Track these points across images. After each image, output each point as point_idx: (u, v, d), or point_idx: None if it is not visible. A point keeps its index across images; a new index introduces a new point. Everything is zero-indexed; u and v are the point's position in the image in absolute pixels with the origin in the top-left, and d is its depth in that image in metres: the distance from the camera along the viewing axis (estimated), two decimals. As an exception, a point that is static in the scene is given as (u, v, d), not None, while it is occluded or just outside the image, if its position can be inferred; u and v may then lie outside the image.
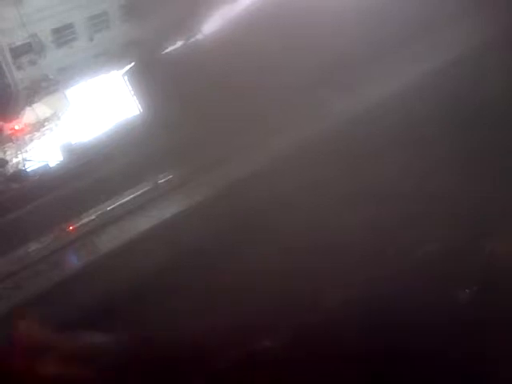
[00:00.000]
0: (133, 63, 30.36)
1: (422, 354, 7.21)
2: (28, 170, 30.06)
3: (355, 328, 7.67)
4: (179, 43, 28.99)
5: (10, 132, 36.26)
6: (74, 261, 12.63)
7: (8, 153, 36.61)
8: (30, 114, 36.96)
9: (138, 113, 28.98)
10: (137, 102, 28.40)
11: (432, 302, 7.72)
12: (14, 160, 36.38)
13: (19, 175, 27.80)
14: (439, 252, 8.68)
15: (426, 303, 7.69)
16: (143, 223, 12.24)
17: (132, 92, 29.16)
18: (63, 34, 31.40)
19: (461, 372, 6.93)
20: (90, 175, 19.51)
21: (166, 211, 12.41)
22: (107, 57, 33.31)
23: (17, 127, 36.39)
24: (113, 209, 15.04)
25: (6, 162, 32.28)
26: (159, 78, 23.61)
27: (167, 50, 29.27)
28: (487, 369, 6.84)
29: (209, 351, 8.14)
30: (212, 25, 25.09)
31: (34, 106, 35.68)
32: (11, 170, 32.24)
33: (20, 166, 34.07)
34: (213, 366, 8.02)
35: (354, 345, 7.53)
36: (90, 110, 39.78)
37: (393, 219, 9.53)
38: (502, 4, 12.16)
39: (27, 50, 30.53)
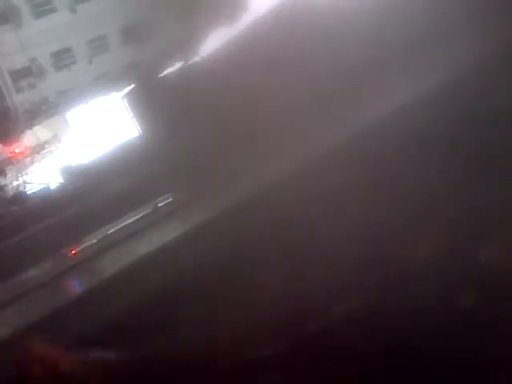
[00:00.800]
0: (132, 86, 30.59)
1: (421, 358, 7.22)
2: (28, 192, 30.14)
3: (356, 333, 7.70)
4: (178, 65, 29.25)
5: (10, 155, 36.42)
6: (75, 286, 12.61)
7: (8, 175, 36.71)
8: (31, 137, 37.20)
9: (137, 135, 29.13)
10: (136, 124, 28.56)
11: (431, 306, 7.74)
12: (15, 183, 36.49)
13: (19, 198, 27.86)
14: (436, 255, 8.68)
15: (425, 307, 7.72)
16: (143, 247, 12.24)
17: (131, 114, 29.34)
18: (62, 58, 31.75)
19: (461, 375, 6.94)
20: (91, 198, 19.55)
21: (166, 235, 12.41)
22: (106, 79, 33.59)
23: (17, 150, 36.60)
24: (113, 232, 15.03)
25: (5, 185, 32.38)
26: (158, 100, 23.75)
27: (166, 73, 29.51)
28: (487, 372, 6.85)
29: (210, 358, 8.12)
30: (210, 47, 25.32)
31: (34, 128, 35.97)
32: (11, 193, 32.32)
33: (20, 189, 34.18)
34: (215, 373, 8.02)
35: (354, 349, 7.54)
36: (90, 133, 40.04)
37: (392, 223, 9.57)
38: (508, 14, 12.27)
39: (27, 74, 30.84)
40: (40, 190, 28.80)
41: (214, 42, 25.09)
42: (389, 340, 7.47)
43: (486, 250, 8.26)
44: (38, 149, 39.19)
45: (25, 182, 35.51)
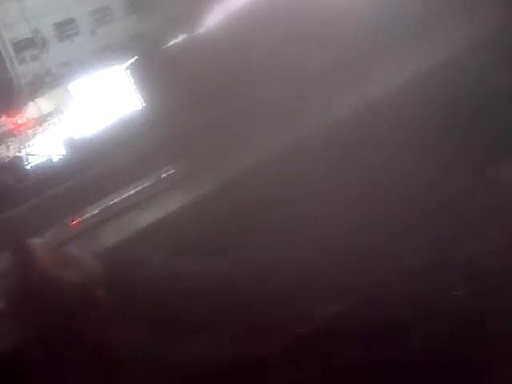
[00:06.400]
0: (135, 57, 30.38)
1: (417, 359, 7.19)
2: (31, 164, 30.11)
3: (351, 336, 7.63)
4: (182, 37, 28.97)
5: (12, 126, 36.34)
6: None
7: (11, 147, 36.67)
8: (33, 109, 37.06)
9: (140, 107, 29.02)
10: (139, 96, 28.41)
11: (425, 307, 7.68)
12: (17, 154, 36.45)
13: (22, 170, 27.86)
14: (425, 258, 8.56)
15: (419, 309, 7.66)
16: (146, 218, 12.24)
17: (135, 86, 29.19)
18: (66, 29, 31.51)
19: (458, 374, 6.91)
20: (93, 169, 19.52)
21: (168, 206, 12.39)
22: (110, 51, 33.33)
23: (20, 122, 36.47)
24: (116, 203, 15.01)
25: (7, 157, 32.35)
26: (162, 72, 23.57)
27: (170, 44, 29.26)
28: (485, 370, 6.83)
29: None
30: (215, 18, 25.04)
31: (37, 100, 35.81)
32: (14, 165, 32.27)
33: (23, 161, 34.12)
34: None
35: (351, 353, 7.49)
36: (93, 105, 39.75)
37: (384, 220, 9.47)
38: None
39: (30, 45, 30.65)
40: (42, 162, 28.80)
41: (218, 13, 24.78)
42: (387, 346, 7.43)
43: (475, 249, 8.13)
44: (41, 121, 39.02)
45: (27, 154, 35.44)
